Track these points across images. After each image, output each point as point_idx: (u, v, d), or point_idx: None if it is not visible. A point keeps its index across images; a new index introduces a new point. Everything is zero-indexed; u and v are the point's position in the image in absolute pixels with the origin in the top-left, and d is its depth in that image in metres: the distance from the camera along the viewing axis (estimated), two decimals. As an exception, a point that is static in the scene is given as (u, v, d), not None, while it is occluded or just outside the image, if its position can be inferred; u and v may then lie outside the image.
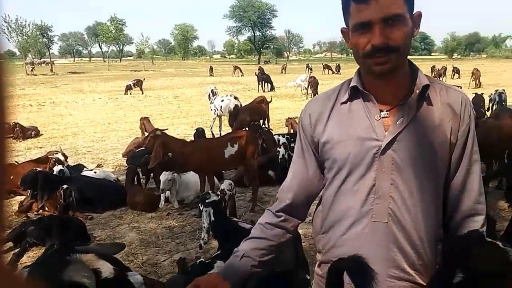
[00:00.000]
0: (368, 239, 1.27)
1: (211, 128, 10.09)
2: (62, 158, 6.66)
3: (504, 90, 9.36)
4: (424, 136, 1.24)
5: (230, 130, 8.88)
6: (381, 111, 1.26)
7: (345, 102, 1.32)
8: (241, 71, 35.74)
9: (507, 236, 3.48)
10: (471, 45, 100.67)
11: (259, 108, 9.78)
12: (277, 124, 10.96)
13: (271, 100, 10.66)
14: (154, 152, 4.67)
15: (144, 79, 23.15)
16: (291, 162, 1.49)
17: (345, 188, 1.31)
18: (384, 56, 1.17)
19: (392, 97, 1.27)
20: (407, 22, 1.18)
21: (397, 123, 1.24)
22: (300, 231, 3.82)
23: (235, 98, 10.12)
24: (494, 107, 8.64)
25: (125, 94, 20.72)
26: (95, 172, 6.32)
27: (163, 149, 4.75)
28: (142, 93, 21.20)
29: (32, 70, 41.89)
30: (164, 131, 5.31)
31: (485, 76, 25.39)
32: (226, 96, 10.41)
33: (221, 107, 9.94)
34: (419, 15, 1.23)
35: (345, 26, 1.28)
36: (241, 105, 9.88)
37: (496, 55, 79.23)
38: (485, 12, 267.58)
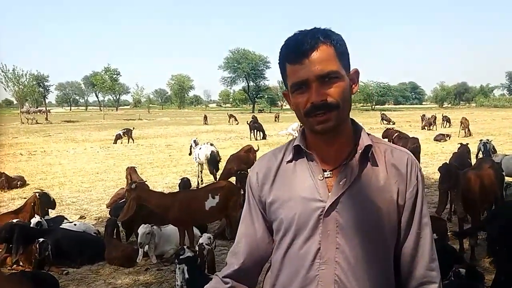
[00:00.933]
0: None
1: (198, 177, 10.23)
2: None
3: (488, 139, 9.39)
4: (368, 197, 1.20)
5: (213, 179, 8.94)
6: (325, 171, 1.23)
7: (290, 161, 1.29)
8: (236, 119, 36.14)
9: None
10: (460, 95, 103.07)
11: (247, 157, 9.76)
12: (266, 173, 10.90)
13: (258, 149, 10.67)
14: (127, 206, 4.59)
15: (133, 128, 23.25)
16: (240, 223, 1.42)
17: (292, 252, 1.25)
18: (324, 114, 1.16)
19: (335, 157, 1.24)
20: (344, 78, 1.18)
21: (340, 183, 1.20)
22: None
23: (211, 144, 10.41)
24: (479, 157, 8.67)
25: (114, 143, 20.75)
26: (75, 225, 6.15)
27: (138, 202, 4.66)
28: (133, 142, 21.24)
29: (28, 120, 42.18)
30: (145, 182, 5.24)
31: (475, 125, 25.82)
32: (204, 144, 10.71)
33: (198, 155, 10.20)
34: (356, 71, 1.24)
35: (285, 89, 1.28)
36: (217, 151, 10.15)
37: (485, 104, 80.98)
38: (472, 63, 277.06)
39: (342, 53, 1.18)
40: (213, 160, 9.69)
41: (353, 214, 1.19)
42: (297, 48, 1.16)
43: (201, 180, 10.18)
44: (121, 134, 21.56)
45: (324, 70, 1.14)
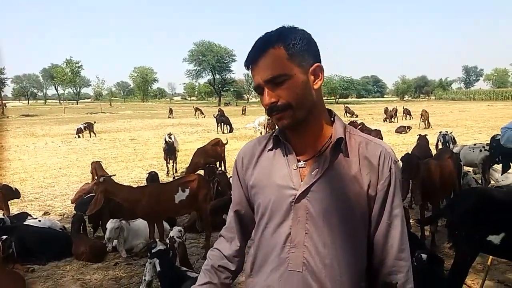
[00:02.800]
0: None
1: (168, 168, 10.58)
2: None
3: (447, 131, 9.79)
4: (338, 187, 1.26)
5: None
6: (299, 161, 1.30)
7: (271, 149, 1.37)
8: (202, 112, 35.89)
9: (452, 273, 3.57)
10: (420, 88, 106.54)
11: (214, 151, 9.74)
12: (234, 166, 10.94)
13: (226, 142, 10.67)
14: (95, 200, 4.51)
15: (95, 122, 22.75)
16: (231, 204, 1.52)
17: (266, 234, 1.33)
18: (278, 114, 1.24)
19: (309, 148, 1.31)
20: (296, 77, 1.21)
21: (312, 173, 1.27)
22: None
23: (168, 135, 10.81)
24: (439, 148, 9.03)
25: (78, 137, 20.24)
26: (39, 221, 5.97)
27: (106, 196, 4.59)
28: (95, 136, 20.77)
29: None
30: (112, 176, 5.16)
31: (435, 117, 26.77)
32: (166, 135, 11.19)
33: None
34: (317, 66, 1.25)
35: None
36: (172, 141, 10.53)
37: (443, 97, 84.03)
38: (431, 57, 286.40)
39: (295, 53, 1.21)
40: (168, 149, 10.33)
41: (322, 203, 1.25)
42: (250, 56, 1.25)
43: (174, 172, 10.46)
44: (82, 128, 20.99)
45: (269, 75, 1.21)
